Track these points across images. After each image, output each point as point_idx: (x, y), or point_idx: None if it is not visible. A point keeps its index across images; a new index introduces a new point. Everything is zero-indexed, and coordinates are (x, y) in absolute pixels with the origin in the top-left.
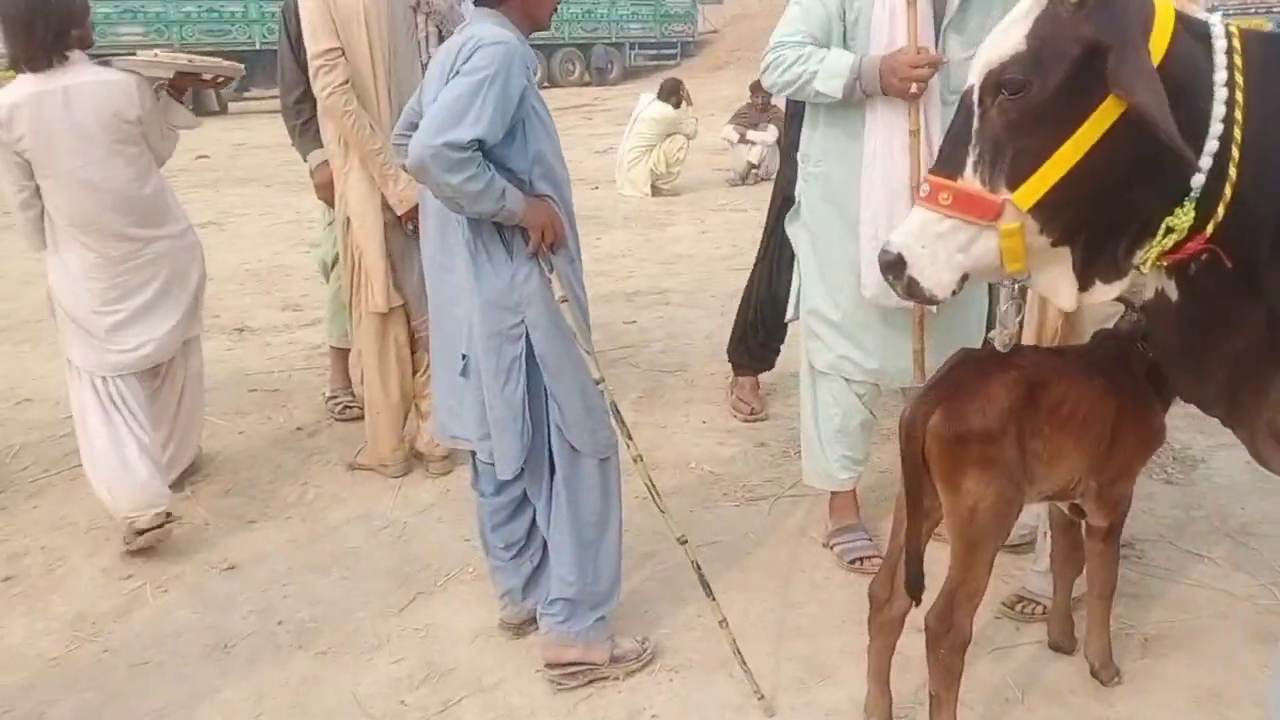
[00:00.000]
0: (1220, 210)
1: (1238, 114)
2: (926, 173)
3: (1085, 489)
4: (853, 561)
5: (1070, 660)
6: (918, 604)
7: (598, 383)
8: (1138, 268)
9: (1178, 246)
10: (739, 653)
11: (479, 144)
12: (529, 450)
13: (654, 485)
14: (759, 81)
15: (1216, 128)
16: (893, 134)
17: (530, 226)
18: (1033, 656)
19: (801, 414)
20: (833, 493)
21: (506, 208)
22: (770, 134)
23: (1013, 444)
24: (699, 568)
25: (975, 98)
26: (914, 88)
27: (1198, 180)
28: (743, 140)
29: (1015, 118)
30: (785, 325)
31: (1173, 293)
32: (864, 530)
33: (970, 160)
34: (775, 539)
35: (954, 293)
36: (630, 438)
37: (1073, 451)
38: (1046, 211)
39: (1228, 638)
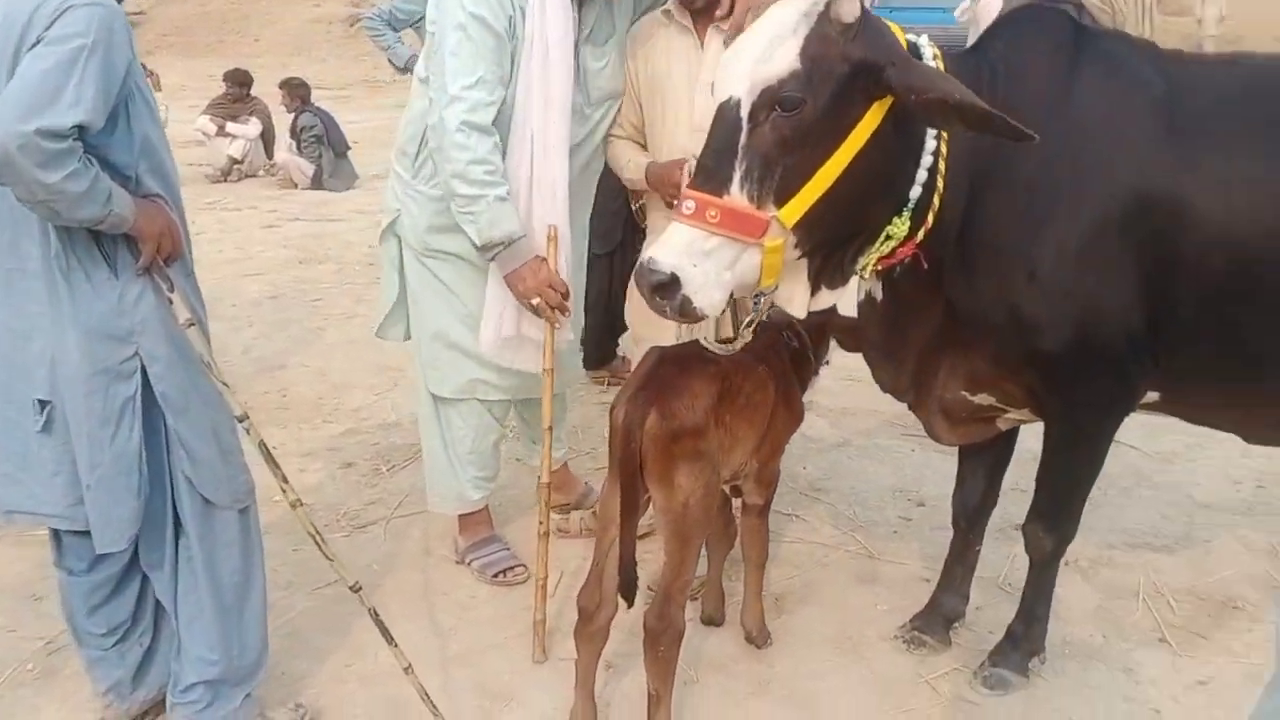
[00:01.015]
0: (930, 219)
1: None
2: (686, 188)
3: (748, 470)
4: (496, 575)
5: (722, 631)
6: (630, 607)
7: (240, 420)
8: (859, 273)
9: (892, 253)
10: (428, 698)
11: (80, 131)
12: (145, 511)
13: (318, 531)
14: (238, 70)
15: (930, 144)
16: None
17: (142, 236)
18: (690, 634)
19: (425, 441)
20: (461, 514)
21: (114, 213)
22: (253, 126)
23: (714, 436)
24: (376, 614)
25: (744, 113)
26: (535, 300)
27: (915, 192)
28: (221, 133)
29: (788, 134)
30: None
31: (879, 294)
32: (501, 540)
33: (737, 176)
34: (402, 565)
35: (721, 311)
36: (286, 480)
37: (746, 437)
38: (805, 227)
39: (837, 585)
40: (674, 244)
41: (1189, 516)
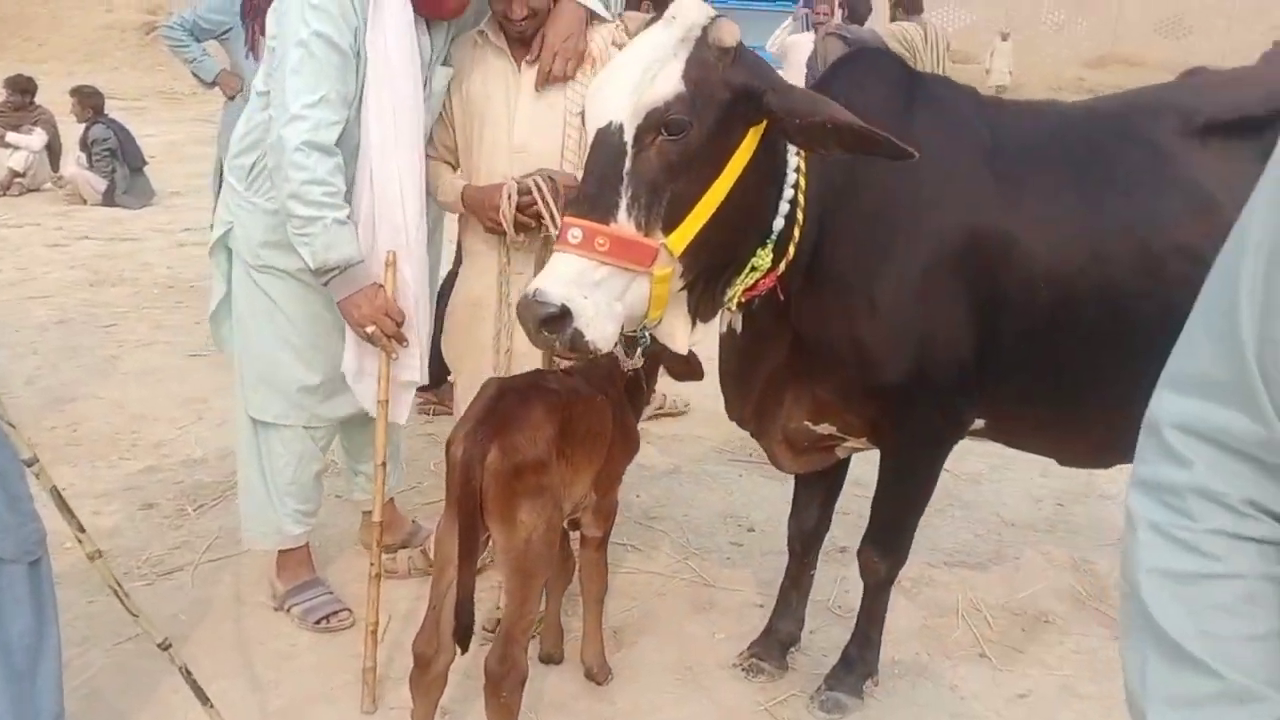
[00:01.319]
0: (791, 250)
1: (800, 162)
2: (567, 216)
3: (587, 502)
4: (319, 621)
5: (561, 668)
6: (465, 651)
7: (29, 464)
8: (727, 305)
9: (755, 284)
10: None
11: None
12: None
13: (119, 584)
14: (21, 76)
15: (792, 176)
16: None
17: None
18: (529, 674)
19: (241, 470)
20: (280, 550)
21: None
22: (37, 137)
23: (556, 470)
24: (188, 672)
25: (628, 137)
26: (370, 328)
27: (777, 224)
28: (0, 143)
29: (674, 159)
30: None
31: (739, 326)
32: (323, 584)
33: (624, 203)
34: (213, 614)
35: (613, 345)
36: (83, 529)
37: (587, 469)
38: (690, 255)
39: (675, 614)
40: (562, 274)
41: (999, 535)
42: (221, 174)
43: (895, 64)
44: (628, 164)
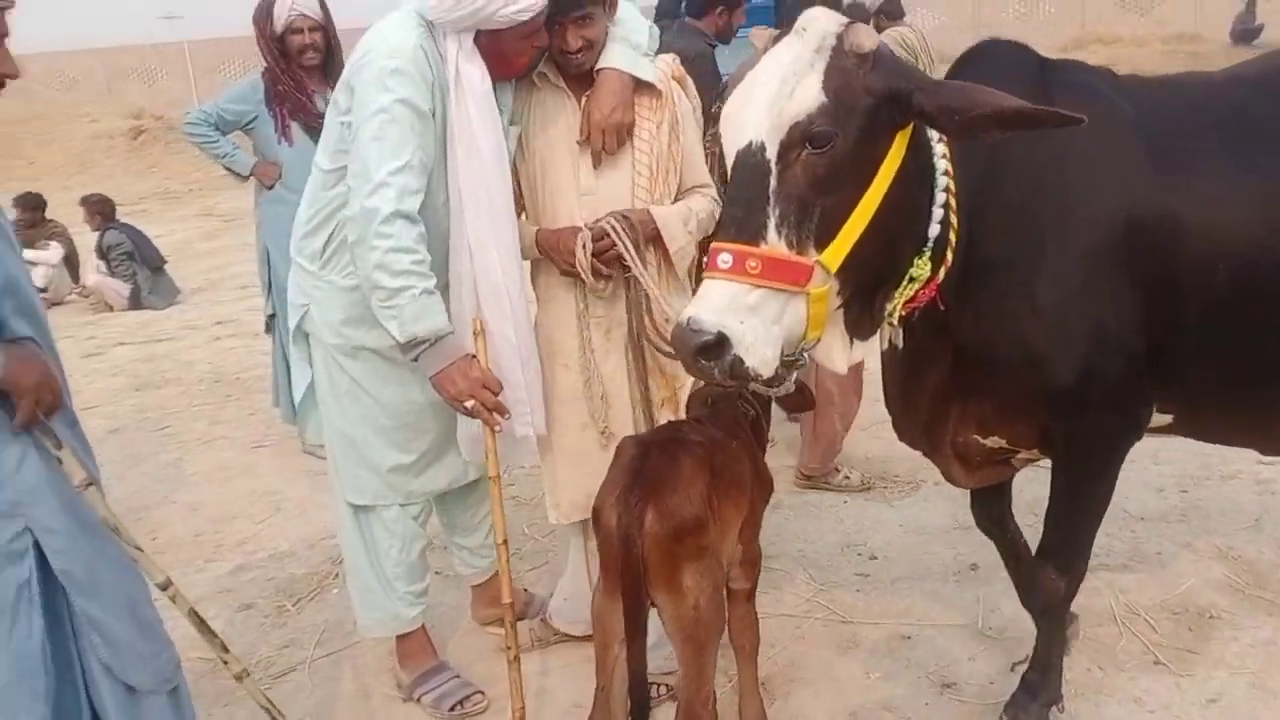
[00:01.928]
0: (949, 257)
1: (949, 166)
2: (715, 242)
3: (734, 554)
4: (453, 708)
5: None
6: None
7: (163, 588)
8: (888, 320)
9: (915, 296)
10: None
11: None
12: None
13: (274, 706)
14: (30, 194)
15: (943, 180)
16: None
17: (17, 390)
18: None
19: (348, 558)
20: (398, 637)
21: None
22: (54, 251)
23: (712, 527)
24: None
25: (771, 155)
26: (470, 403)
27: (933, 230)
28: None
29: (822, 173)
30: None
31: (900, 341)
32: (449, 668)
33: (772, 223)
34: (342, 712)
35: (774, 370)
36: (226, 649)
37: (735, 520)
38: (846, 270)
39: (820, 657)
40: (715, 300)
41: (1131, 531)
42: (270, 264)
43: (1024, 51)
44: (773, 182)
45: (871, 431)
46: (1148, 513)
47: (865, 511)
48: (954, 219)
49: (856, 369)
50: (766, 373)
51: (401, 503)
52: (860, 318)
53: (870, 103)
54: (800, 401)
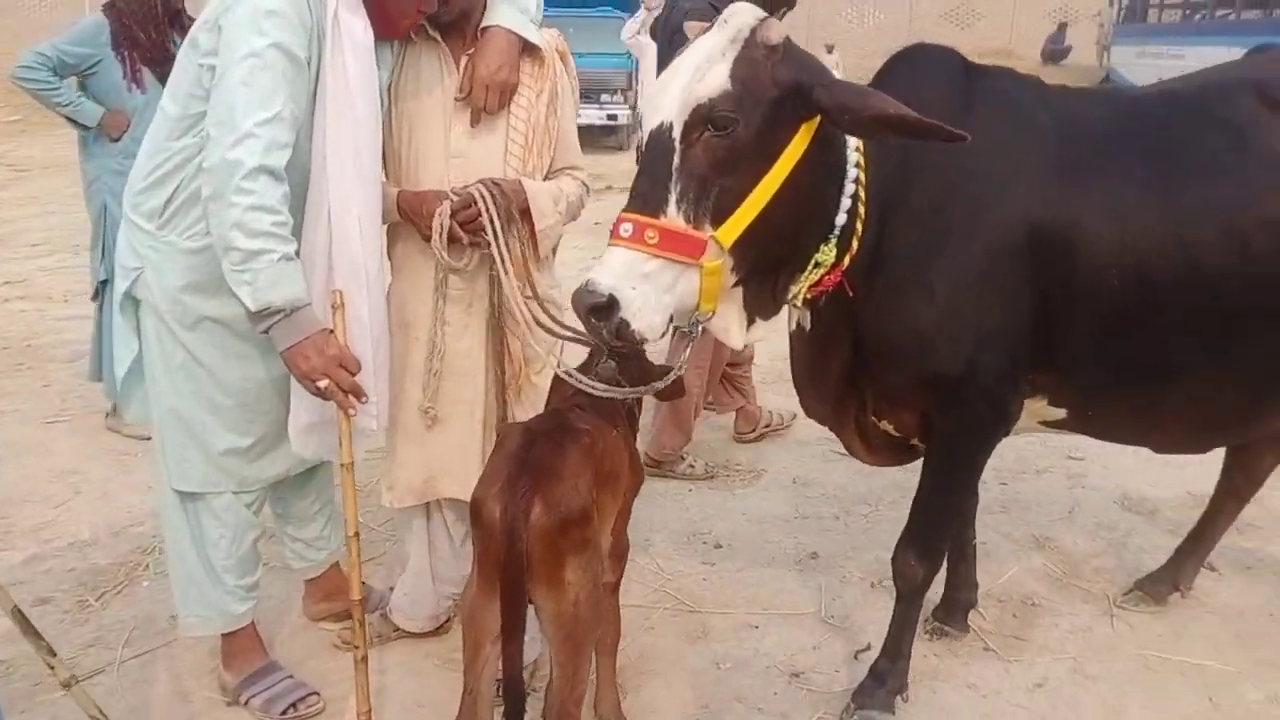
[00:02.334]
0: (855, 245)
1: (863, 161)
2: (622, 211)
3: (606, 546)
4: (285, 711)
5: None
6: None
7: None
8: (792, 302)
9: (820, 280)
10: None
11: None
12: None
13: (104, 715)
14: None
15: (853, 172)
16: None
17: None
18: None
19: (170, 547)
20: (224, 635)
21: None
22: None
23: (595, 519)
24: None
25: (676, 134)
26: (323, 382)
27: (840, 218)
28: None
29: (721, 154)
30: None
31: (807, 323)
32: (280, 667)
33: (673, 198)
34: (159, 718)
35: (663, 336)
36: (53, 653)
37: (611, 510)
38: (741, 248)
39: (671, 648)
40: (612, 266)
41: None
42: (108, 223)
43: (952, 57)
44: (676, 160)
45: (711, 421)
46: None
47: (709, 500)
48: (862, 210)
49: (717, 353)
50: (652, 337)
51: (234, 490)
52: (760, 297)
53: (775, 93)
54: (675, 390)
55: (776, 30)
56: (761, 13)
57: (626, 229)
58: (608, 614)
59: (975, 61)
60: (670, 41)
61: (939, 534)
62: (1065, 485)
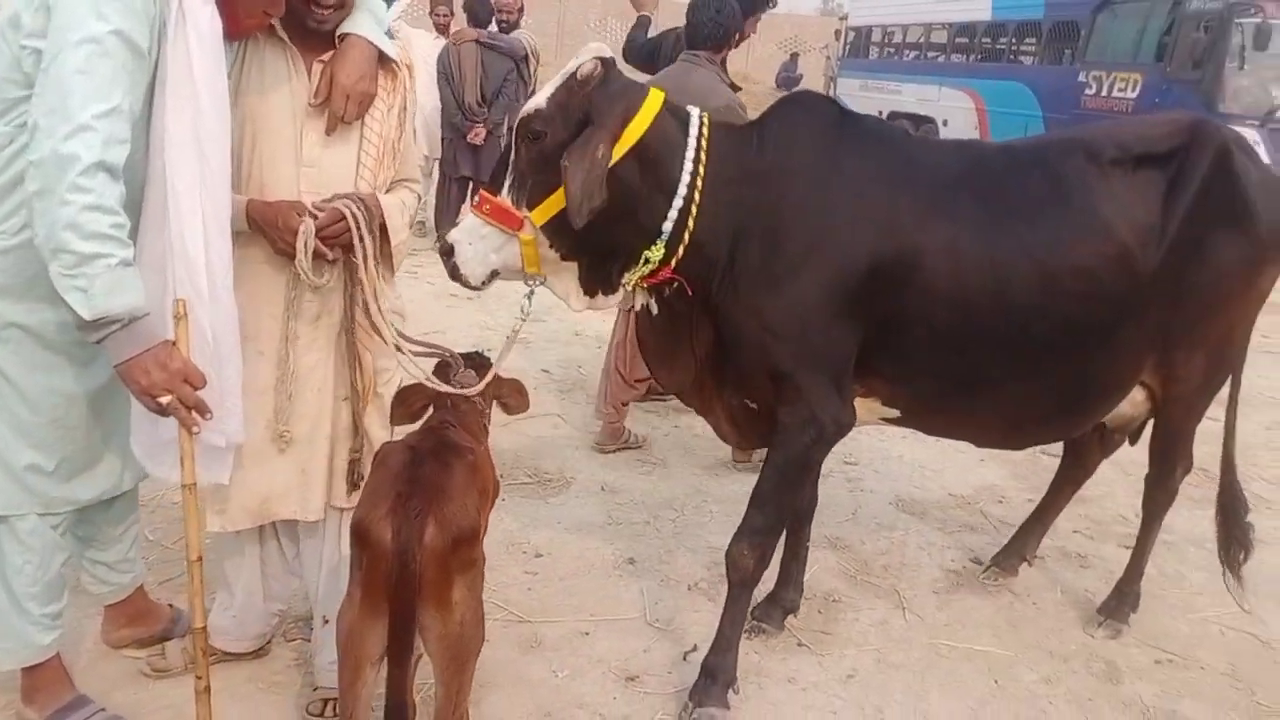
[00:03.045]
0: (681, 250)
1: (699, 181)
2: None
3: None
4: None
5: None
6: None
7: None
8: (625, 286)
9: (653, 273)
10: None
11: None
12: None
13: None
14: None
15: (682, 189)
16: None
17: None
18: None
19: None
20: (25, 669)
21: None
22: None
23: (481, 536)
24: None
25: (514, 136)
26: (165, 399)
27: (667, 226)
28: None
29: (534, 157)
30: None
31: (654, 308)
32: (90, 700)
33: (507, 183)
34: None
35: (484, 284)
36: None
37: (484, 527)
38: (551, 232)
39: (507, 659)
40: (462, 225)
41: None
42: None
43: (828, 104)
44: (512, 156)
45: (515, 428)
46: None
47: (523, 510)
48: (691, 222)
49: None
50: (475, 284)
51: (40, 512)
52: (596, 276)
53: (579, 116)
54: (522, 403)
55: (588, 68)
56: (601, 51)
57: (479, 201)
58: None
59: (847, 109)
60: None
61: (773, 529)
62: (847, 490)
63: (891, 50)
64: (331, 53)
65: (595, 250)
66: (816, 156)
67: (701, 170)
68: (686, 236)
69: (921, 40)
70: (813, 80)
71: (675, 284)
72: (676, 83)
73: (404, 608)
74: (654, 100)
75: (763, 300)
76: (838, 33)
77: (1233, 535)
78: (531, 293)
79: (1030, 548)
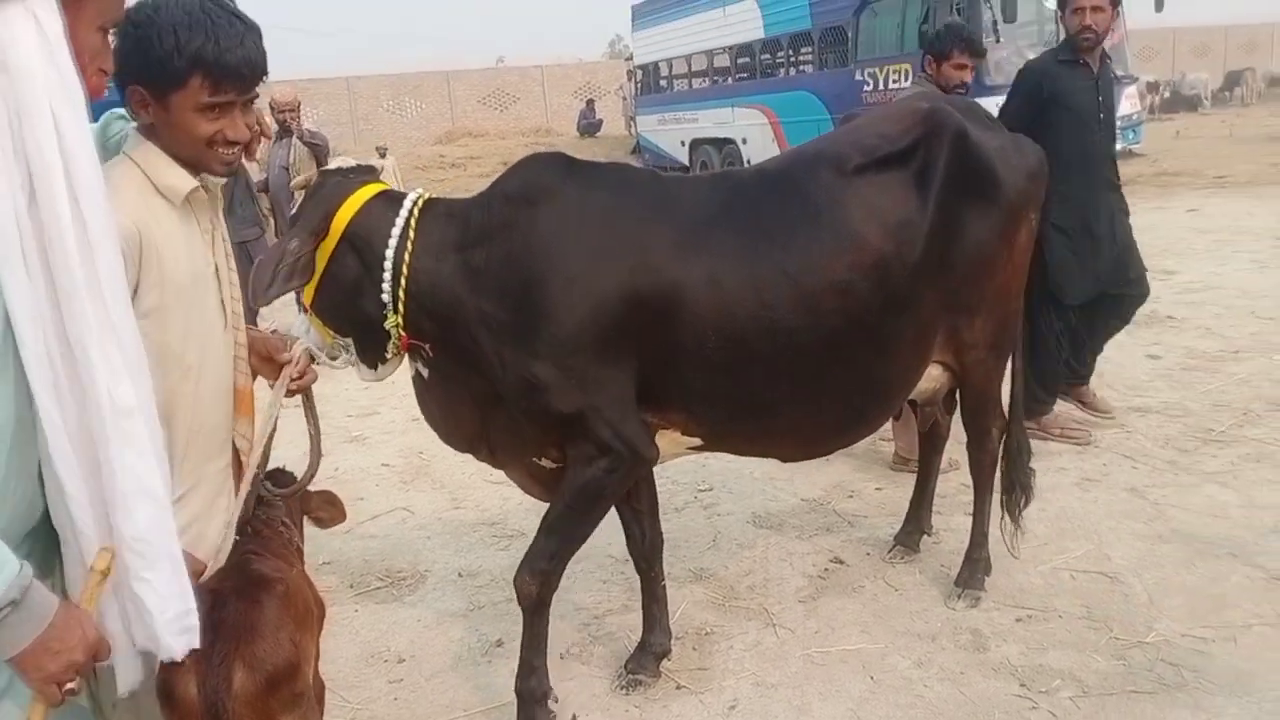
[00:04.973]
0: (404, 315)
1: (405, 253)
2: None
3: None
4: None
5: None
6: None
7: None
8: (386, 356)
9: (402, 340)
10: None
11: None
12: None
13: None
14: None
15: (388, 264)
16: None
17: None
18: None
19: None
20: None
21: None
22: None
23: (305, 669)
24: None
25: None
26: (73, 683)
27: (384, 297)
28: None
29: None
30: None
31: (424, 371)
32: None
33: None
34: None
35: (337, 361)
36: None
37: (312, 653)
38: (318, 310)
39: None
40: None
41: (622, 573)
42: None
43: (558, 158)
44: None
45: (360, 531)
46: (620, 550)
47: (380, 616)
48: (403, 290)
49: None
50: (316, 353)
51: None
52: (369, 347)
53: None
54: (336, 515)
55: (298, 181)
56: (348, 163)
57: None
58: None
59: (586, 160)
60: None
61: (557, 557)
62: (704, 517)
63: (682, 81)
64: None
65: (353, 323)
66: (555, 205)
67: (409, 243)
68: (406, 301)
69: (707, 67)
70: (614, 123)
71: (426, 347)
72: None
73: None
74: (363, 193)
75: (521, 349)
76: (629, 73)
77: (1015, 480)
78: (347, 356)
79: (925, 520)
